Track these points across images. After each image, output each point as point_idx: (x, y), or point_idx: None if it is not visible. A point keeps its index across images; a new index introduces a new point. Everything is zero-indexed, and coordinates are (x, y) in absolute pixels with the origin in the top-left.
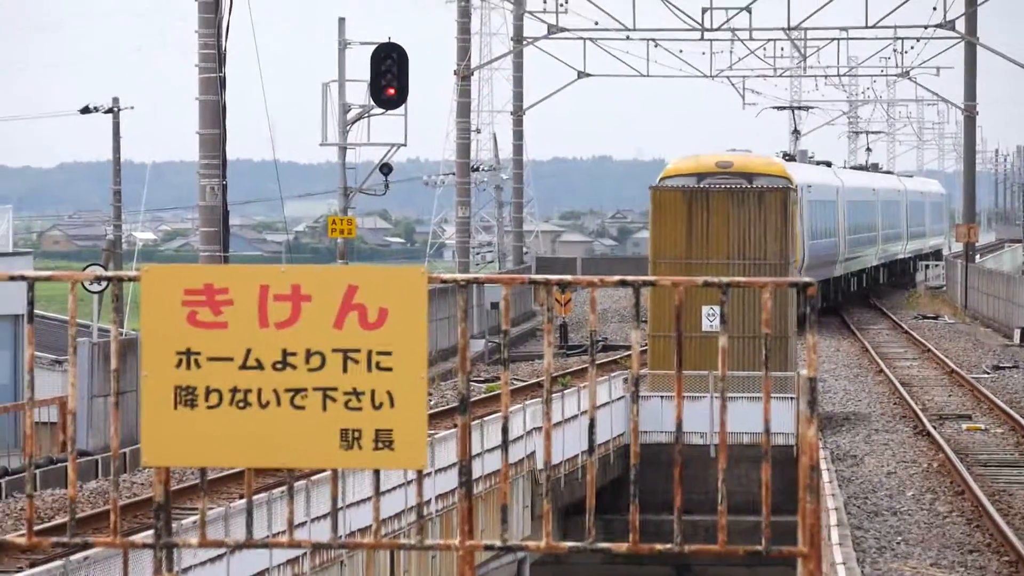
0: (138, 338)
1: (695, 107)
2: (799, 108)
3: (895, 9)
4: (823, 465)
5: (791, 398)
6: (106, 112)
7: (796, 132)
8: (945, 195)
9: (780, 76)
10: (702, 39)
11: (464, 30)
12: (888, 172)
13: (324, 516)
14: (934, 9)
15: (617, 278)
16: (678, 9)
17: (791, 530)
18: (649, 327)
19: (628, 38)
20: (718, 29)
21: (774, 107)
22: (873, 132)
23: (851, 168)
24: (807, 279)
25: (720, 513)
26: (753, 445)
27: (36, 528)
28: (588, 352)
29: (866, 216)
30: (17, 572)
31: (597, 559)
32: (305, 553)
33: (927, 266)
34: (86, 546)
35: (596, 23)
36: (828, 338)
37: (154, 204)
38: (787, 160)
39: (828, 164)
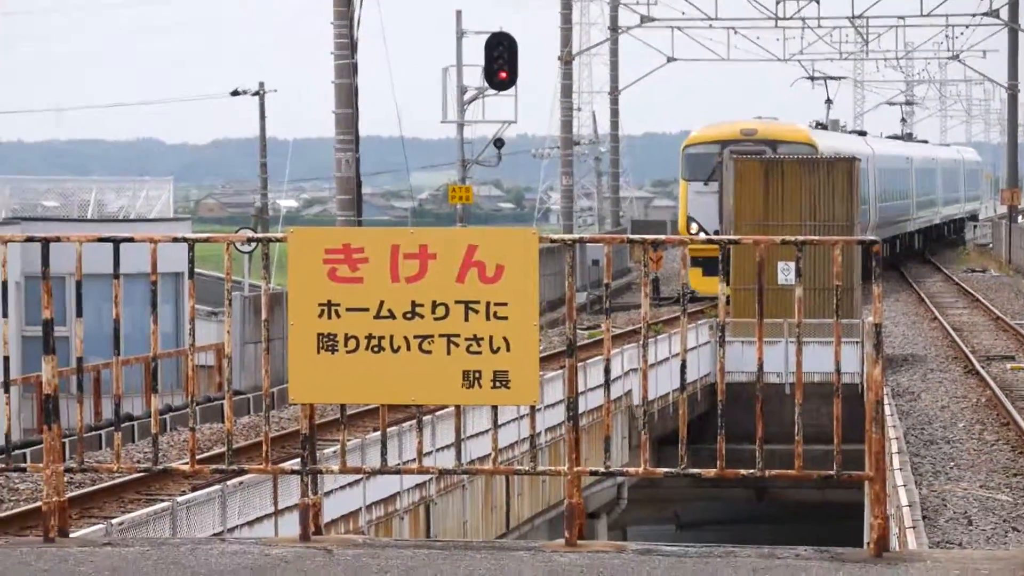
0: (284, 292)
1: (770, 86)
2: (831, 79)
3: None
4: (885, 400)
5: (856, 342)
6: (253, 95)
7: (829, 101)
8: (980, 162)
9: (845, 59)
10: (776, 27)
11: (566, 21)
12: (923, 141)
13: (448, 446)
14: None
15: (705, 237)
16: (755, 0)
17: (857, 457)
18: (733, 282)
19: (711, 26)
20: (790, 18)
21: (806, 77)
22: (906, 104)
23: (887, 138)
24: (873, 238)
25: (796, 442)
26: (823, 383)
27: (197, 457)
28: (679, 303)
29: (899, 183)
30: (182, 495)
31: (686, 483)
32: (432, 478)
33: (975, 226)
34: (241, 472)
35: (683, 13)
36: (888, 290)
37: (296, 175)
38: (819, 128)
39: (862, 133)
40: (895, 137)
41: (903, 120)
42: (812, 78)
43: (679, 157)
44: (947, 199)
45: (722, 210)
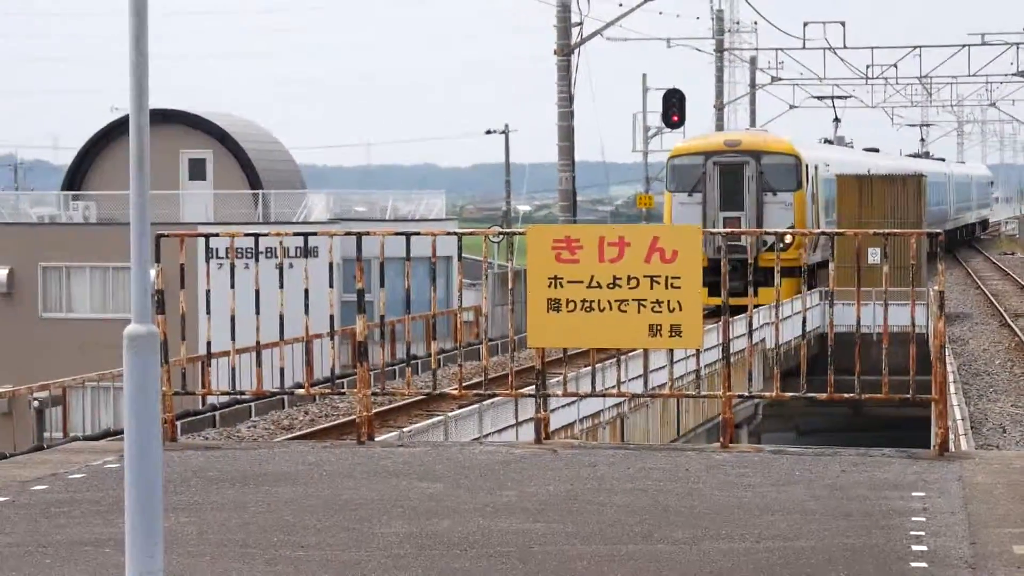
0: (523, 270)
1: (860, 124)
2: (838, 98)
3: (987, 64)
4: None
5: (924, 304)
6: (500, 133)
7: (837, 120)
8: (990, 177)
9: (914, 107)
10: (866, 83)
11: (719, 80)
12: (940, 159)
13: (637, 377)
14: (1011, 64)
15: (820, 231)
16: (852, 65)
17: (925, 385)
18: (836, 260)
19: (821, 83)
20: (876, 78)
21: (815, 96)
22: (926, 125)
23: (907, 156)
24: (937, 230)
25: (883, 375)
26: (900, 333)
27: (464, 384)
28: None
29: None
30: (452, 411)
31: (804, 403)
32: (625, 400)
33: (1006, 222)
34: (493, 395)
35: (800, 74)
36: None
37: (530, 189)
38: (827, 144)
39: (876, 150)
40: (913, 155)
41: (922, 140)
42: (820, 97)
43: (665, 168)
44: (958, 208)
45: (705, 220)
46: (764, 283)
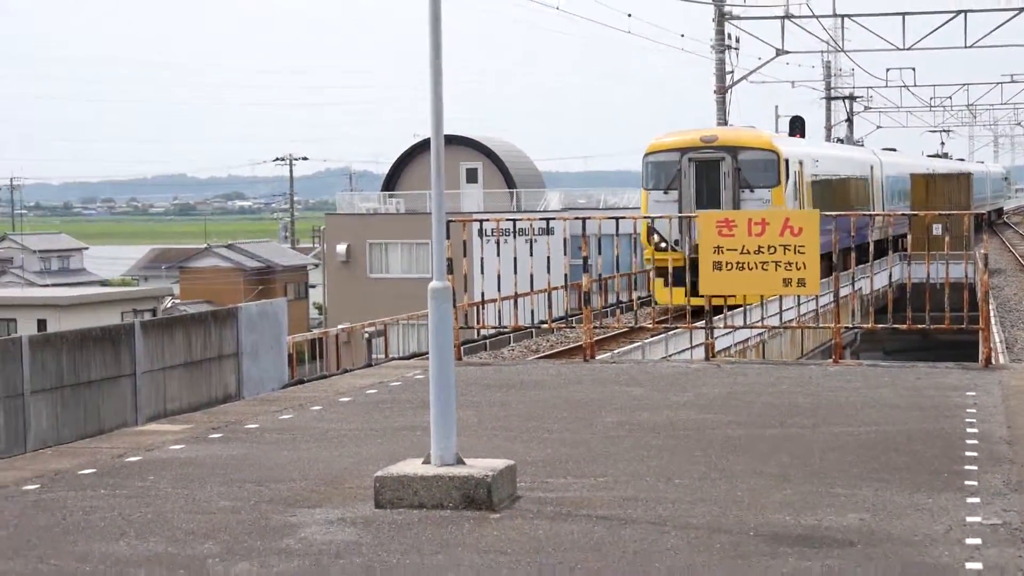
0: (696, 243)
1: (924, 139)
2: (850, 98)
3: (1015, 95)
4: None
5: (973, 262)
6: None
7: (849, 120)
8: (1004, 173)
9: (964, 125)
10: (930, 110)
11: (827, 108)
12: (960, 159)
13: (774, 314)
14: None
15: (900, 212)
16: (919, 97)
17: (975, 318)
18: (912, 233)
19: (899, 110)
20: (937, 106)
21: (823, 97)
22: (945, 130)
23: (928, 156)
24: (980, 211)
25: (946, 311)
26: (957, 283)
27: (655, 320)
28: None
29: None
30: (646, 339)
31: (889, 332)
32: (766, 330)
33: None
34: (675, 328)
35: (884, 105)
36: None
37: None
38: (838, 143)
39: (893, 150)
40: (933, 155)
41: (942, 144)
42: (831, 98)
43: (641, 166)
44: (974, 200)
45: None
46: None
